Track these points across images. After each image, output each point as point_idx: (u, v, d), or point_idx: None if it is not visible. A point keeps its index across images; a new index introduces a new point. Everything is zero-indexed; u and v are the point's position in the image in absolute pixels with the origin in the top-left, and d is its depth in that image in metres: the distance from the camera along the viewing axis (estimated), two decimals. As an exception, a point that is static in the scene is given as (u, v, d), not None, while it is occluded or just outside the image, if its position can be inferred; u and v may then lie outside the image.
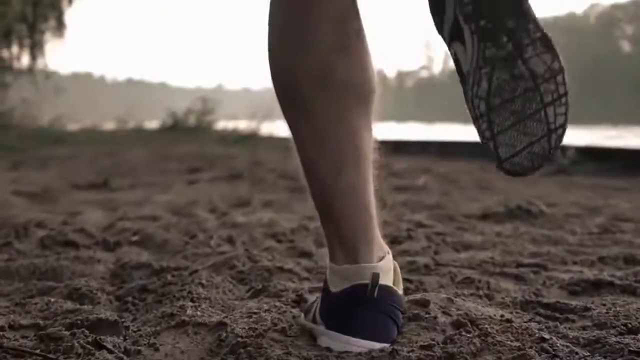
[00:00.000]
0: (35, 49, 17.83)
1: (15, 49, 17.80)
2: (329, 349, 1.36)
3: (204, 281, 1.76)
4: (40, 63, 17.91)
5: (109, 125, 17.93)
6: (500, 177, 5.73)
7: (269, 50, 1.47)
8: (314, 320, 1.46)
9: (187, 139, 13.00)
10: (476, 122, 1.36)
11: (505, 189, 4.88)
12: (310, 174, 1.48)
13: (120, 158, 8.44)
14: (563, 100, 1.36)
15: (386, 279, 1.43)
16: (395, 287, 1.44)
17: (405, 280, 1.82)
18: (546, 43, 1.35)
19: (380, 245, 1.48)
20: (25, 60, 17.70)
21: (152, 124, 17.30)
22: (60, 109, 17.56)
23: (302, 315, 1.52)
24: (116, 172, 6.24)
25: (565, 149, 7.05)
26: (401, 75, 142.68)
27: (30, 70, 17.54)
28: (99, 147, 10.61)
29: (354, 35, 1.43)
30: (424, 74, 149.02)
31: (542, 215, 3.06)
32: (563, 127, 1.37)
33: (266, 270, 1.93)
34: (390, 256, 1.48)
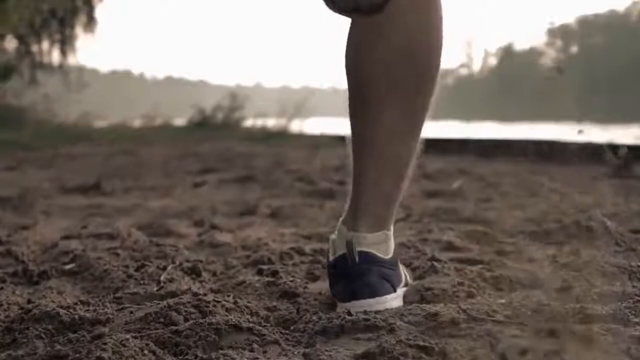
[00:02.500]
0: (66, 44, 17.45)
1: (45, 44, 17.45)
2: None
3: (109, 354, 1.14)
4: (71, 59, 17.57)
5: (138, 123, 17.55)
6: (547, 181, 5.06)
7: None
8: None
9: (214, 136, 12.47)
10: None
11: (553, 194, 4.22)
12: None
13: (136, 156, 7.89)
14: None
15: (375, 250, 1.54)
16: (376, 253, 1.54)
17: (418, 348, 1.22)
18: None
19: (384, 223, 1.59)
20: (55, 56, 17.34)
21: (182, 121, 16.86)
22: (90, 106, 17.20)
23: None
24: (122, 173, 5.67)
25: (616, 147, 6.37)
26: (440, 73, 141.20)
27: (60, 66, 17.18)
28: (119, 145, 10.07)
29: None
30: (464, 72, 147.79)
31: (606, 234, 2.40)
32: None
33: (215, 329, 1.30)
34: (389, 233, 1.60)
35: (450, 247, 2.22)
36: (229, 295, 1.55)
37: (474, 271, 1.76)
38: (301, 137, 10.20)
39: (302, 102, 13.53)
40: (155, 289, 1.64)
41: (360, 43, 1.54)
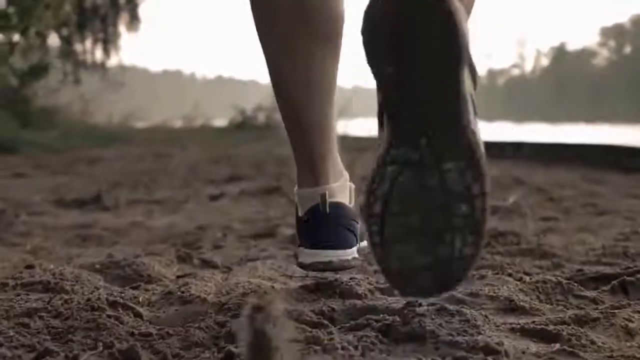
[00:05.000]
0: (109, 43, 17.13)
1: (88, 43, 17.10)
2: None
3: None
4: (114, 58, 17.27)
5: (179, 123, 17.22)
6: (611, 192, 4.42)
7: None
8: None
9: (254, 137, 11.97)
10: (369, 222, 1.26)
11: (625, 212, 3.57)
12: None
13: (165, 160, 7.36)
14: (475, 228, 1.20)
15: (340, 198, 1.65)
16: (345, 202, 1.66)
17: None
18: (472, 161, 1.25)
19: (339, 170, 1.71)
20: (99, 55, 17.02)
21: (224, 122, 16.47)
22: (135, 106, 16.93)
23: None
24: (137, 180, 5.12)
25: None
26: (492, 74, 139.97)
27: (102, 65, 16.84)
28: (153, 147, 9.58)
29: None
30: (516, 72, 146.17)
31: None
32: (470, 259, 1.21)
33: None
34: (346, 180, 1.71)
35: (510, 307, 1.58)
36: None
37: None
38: (345, 139, 9.59)
39: (347, 101, 12.98)
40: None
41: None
